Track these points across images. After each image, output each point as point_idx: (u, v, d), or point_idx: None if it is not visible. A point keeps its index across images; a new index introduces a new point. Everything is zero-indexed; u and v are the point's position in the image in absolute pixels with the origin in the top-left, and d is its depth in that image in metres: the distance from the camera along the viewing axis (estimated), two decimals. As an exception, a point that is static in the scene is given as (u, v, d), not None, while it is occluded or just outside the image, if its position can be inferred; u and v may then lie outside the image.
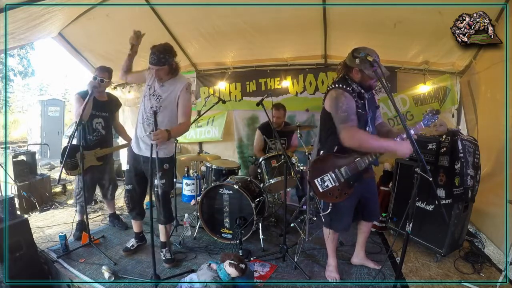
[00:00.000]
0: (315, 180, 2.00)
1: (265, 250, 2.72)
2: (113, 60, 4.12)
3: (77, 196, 2.92)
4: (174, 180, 2.67)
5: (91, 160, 2.87)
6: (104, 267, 2.27)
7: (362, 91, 1.97)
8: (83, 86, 2.71)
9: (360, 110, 1.93)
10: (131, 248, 2.63)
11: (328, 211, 2.13)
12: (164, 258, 2.49)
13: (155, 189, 2.32)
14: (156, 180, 2.30)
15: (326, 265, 2.38)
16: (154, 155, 2.03)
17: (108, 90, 4.84)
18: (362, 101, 1.97)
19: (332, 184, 1.97)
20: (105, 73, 2.80)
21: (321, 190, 2.00)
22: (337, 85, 1.98)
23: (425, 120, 1.91)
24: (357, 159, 1.93)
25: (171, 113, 2.24)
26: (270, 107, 3.23)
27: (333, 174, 1.96)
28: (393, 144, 1.84)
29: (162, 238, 2.56)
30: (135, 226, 2.68)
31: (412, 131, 1.89)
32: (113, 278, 2.21)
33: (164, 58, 2.04)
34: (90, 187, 2.97)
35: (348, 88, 1.94)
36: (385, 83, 1.71)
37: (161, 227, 2.53)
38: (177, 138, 3.20)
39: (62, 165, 2.65)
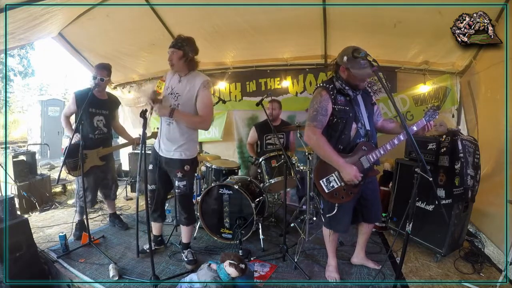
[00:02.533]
0: (321, 181, 1.99)
1: (265, 250, 2.72)
2: (113, 60, 4.12)
3: (81, 197, 2.85)
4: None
5: (94, 160, 2.84)
6: (111, 265, 2.30)
7: (347, 87, 1.94)
8: (83, 86, 2.73)
9: (341, 107, 1.93)
10: (147, 251, 2.50)
11: (334, 212, 2.07)
12: (186, 259, 2.45)
13: (176, 190, 2.31)
14: (176, 182, 2.29)
15: (326, 265, 2.38)
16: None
17: (108, 89, 4.87)
18: (347, 98, 1.95)
19: (337, 184, 1.96)
20: (104, 71, 2.77)
21: (327, 191, 1.99)
22: (320, 84, 2.04)
23: (426, 117, 1.92)
24: (362, 158, 1.93)
25: (190, 111, 2.19)
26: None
27: (338, 174, 1.95)
28: (341, 162, 1.88)
29: (184, 239, 2.53)
30: (155, 229, 2.62)
31: (414, 127, 1.92)
32: (116, 278, 2.21)
33: (181, 44, 2.14)
34: (93, 187, 2.93)
35: (328, 86, 1.96)
36: (385, 83, 1.72)
37: (183, 228, 2.51)
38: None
39: (61, 165, 2.65)
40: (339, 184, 1.96)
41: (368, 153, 1.94)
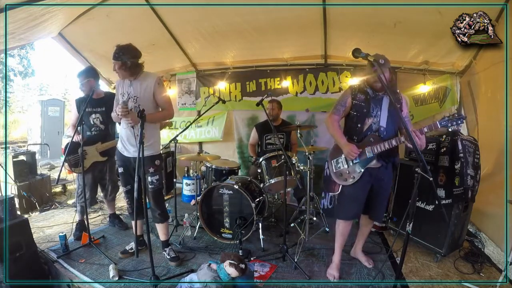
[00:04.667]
0: (332, 161, 2.31)
1: (265, 250, 2.72)
2: (113, 60, 4.12)
3: (79, 196, 2.91)
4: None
5: (94, 156, 2.89)
6: (111, 266, 2.30)
7: (367, 87, 2.17)
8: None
9: (358, 102, 2.18)
10: (130, 251, 2.60)
11: (338, 192, 2.31)
12: (169, 257, 2.49)
13: (149, 186, 2.36)
14: (149, 177, 2.34)
15: (326, 264, 2.39)
16: (145, 154, 2.14)
17: (108, 90, 4.87)
18: (367, 96, 2.16)
19: (343, 166, 2.23)
20: (80, 77, 2.83)
21: (334, 170, 2.29)
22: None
23: (443, 121, 1.88)
24: (367, 147, 2.12)
25: (149, 110, 2.25)
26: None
27: (345, 157, 2.21)
28: (343, 141, 2.18)
29: (162, 237, 2.55)
30: (137, 228, 2.62)
31: (425, 129, 1.93)
32: (116, 278, 2.21)
33: (118, 54, 2.24)
34: (92, 186, 2.97)
35: (353, 85, 2.30)
36: (385, 83, 1.75)
37: (159, 226, 2.53)
38: (177, 138, 3.22)
39: (61, 165, 2.65)
40: (344, 166, 2.22)
41: (373, 145, 2.10)
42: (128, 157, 2.39)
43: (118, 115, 2.16)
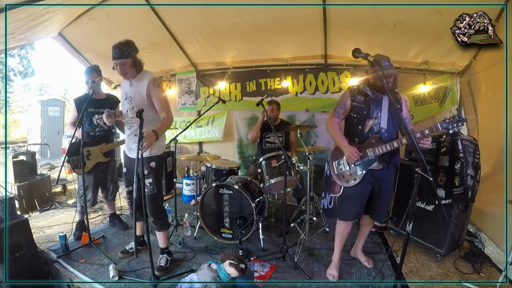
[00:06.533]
0: (333, 163, 2.30)
1: (265, 250, 2.72)
2: (113, 60, 4.12)
3: (81, 197, 2.87)
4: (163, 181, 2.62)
5: (98, 156, 2.89)
6: (111, 266, 2.30)
7: (367, 88, 2.13)
8: (83, 86, 2.81)
9: (357, 104, 2.16)
10: (130, 250, 2.60)
11: (340, 193, 2.31)
12: (157, 264, 2.38)
13: (144, 190, 2.25)
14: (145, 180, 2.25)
15: (326, 264, 2.39)
16: (142, 156, 2.06)
17: (108, 90, 4.87)
18: (366, 98, 2.14)
19: (345, 167, 2.22)
20: (93, 73, 2.82)
21: (336, 172, 2.29)
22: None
23: (444, 124, 1.88)
24: (368, 149, 2.11)
25: (144, 112, 2.07)
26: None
27: (346, 159, 2.20)
28: (344, 143, 2.17)
29: (159, 243, 2.49)
30: (138, 228, 2.60)
31: (426, 131, 1.94)
32: (116, 278, 2.21)
33: (127, 51, 2.12)
34: (94, 186, 2.95)
35: (353, 86, 2.27)
36: (385, 83, 1.75)
37: (156, 234, 2.47)
38: (177, 138, 3.22)
39: (61, 165, 2.65)
40: (346, 168, 2.21)
41: (374, 146, 2.09)
42: (130, 158, 2.36)
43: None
